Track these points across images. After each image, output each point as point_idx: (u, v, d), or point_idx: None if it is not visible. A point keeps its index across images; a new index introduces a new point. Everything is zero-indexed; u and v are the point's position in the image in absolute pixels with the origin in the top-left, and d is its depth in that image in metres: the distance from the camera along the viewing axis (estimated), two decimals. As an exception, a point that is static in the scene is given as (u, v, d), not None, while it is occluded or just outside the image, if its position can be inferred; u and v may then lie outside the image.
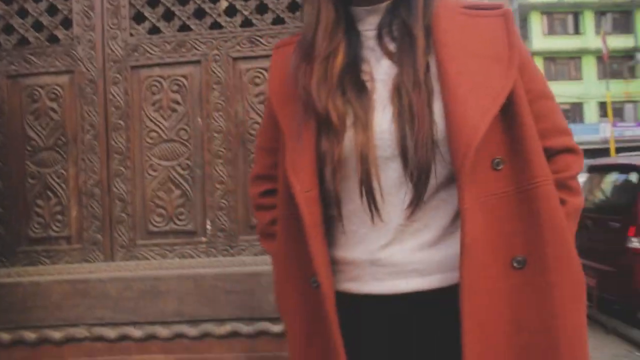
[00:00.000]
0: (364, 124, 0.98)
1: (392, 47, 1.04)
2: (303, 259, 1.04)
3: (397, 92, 0.99)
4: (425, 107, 0.96)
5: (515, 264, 0.98)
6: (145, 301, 2.07)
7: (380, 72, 1.03)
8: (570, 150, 1.10)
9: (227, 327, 2.03)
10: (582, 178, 7.17)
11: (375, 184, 0.98)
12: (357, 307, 1.05)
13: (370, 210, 0.99)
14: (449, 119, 0.96)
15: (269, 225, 1.19)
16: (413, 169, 0.96)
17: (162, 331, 2.05)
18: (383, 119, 0.99)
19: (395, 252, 1.02)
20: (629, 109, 28.58)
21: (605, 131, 21.12)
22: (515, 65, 0.99)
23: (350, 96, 1.00)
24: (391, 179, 0.99)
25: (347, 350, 1.02)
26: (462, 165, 0.93)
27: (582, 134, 27.74)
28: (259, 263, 2.10)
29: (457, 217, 0.98)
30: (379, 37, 1.05)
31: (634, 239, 5.45)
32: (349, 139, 0.99)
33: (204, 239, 2.16)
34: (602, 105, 25.49)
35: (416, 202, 0.98)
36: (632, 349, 5.29)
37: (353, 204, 1.02)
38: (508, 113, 0.98)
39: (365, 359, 1.05)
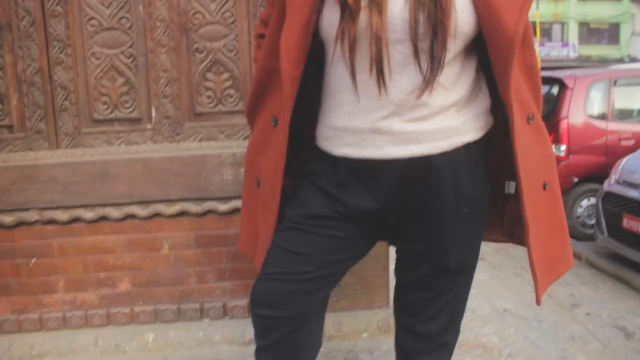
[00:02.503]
0: (379, 7, 1.09)
1: None
2: (272, 99, 1.28)
3: None
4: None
5: (529, 121, 1.24)
6: (95, 184, 2.16)
7: None
8: None
9: (176, 207, 2.17)
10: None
11: (385, 62, 1.11)
12: (353, 169, 1.23)
13: (379, 84, 1.13)
14: (487, 16, 1.11)
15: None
16: (423, 55, 1.11)
17: (113, 212, 2.17)
18: (395, 4, 1.10)
19: (394, 122, 1.17)
20: (556, 29, 29.45)
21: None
22: None
23: None
24: (397, 60, 1.13)
25: (341, 205, 1.25)
26: (507, 61, 1.12)
27: (511, 53, 28.43)
28: (204, 148, 2.23)
29: (453, 96, 1.18)
30: None
31: (553, 147, 5.87)
32: (364, 19, 1.10)
33: (149, 126, 2.24)
34: (532, 25, 26.13)
35: (425, 85, 1.13)
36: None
37: (363, 77, 1.15)
38: None
39: (362, 215, 1.26)
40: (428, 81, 1.12)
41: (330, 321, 2.19)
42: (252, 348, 2.15)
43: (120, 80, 2.23)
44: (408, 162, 1.20)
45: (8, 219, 2.16)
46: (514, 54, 1.12)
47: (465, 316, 2.47)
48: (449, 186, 1.22)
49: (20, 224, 2.18)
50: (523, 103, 1.22)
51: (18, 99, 2.23)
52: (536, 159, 1.26)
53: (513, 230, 1.43)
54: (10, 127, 2.26)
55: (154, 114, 2.23)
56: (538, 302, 1.34)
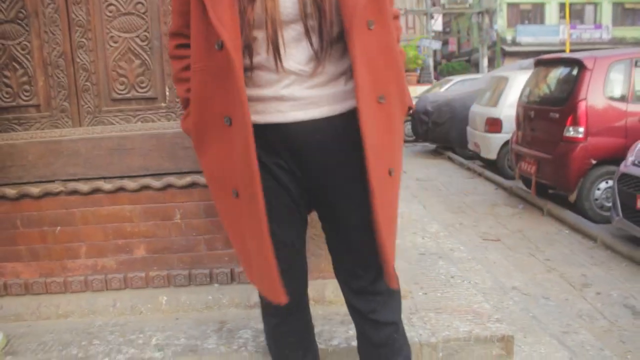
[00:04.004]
0: None
1: None
2: (220, 100, 1.36)
3: None
4: None
5: (380, 100, 1.38)
6: (113, 158, 2.37)
7: None
8: (397, 16, 1.55)
9: (187, 179, 2.37)
10: (527, 73, 7.53)
11: (280, 41, 1.31)
12: (261, 135, 1.38)
13: (275, 61, 1.32)
14: None
15: (182, 71, 1.52)
16: (313, 32, 1.31)
17: (130, 184, 2.37)
18: None
19: (296, 89, 1.37)
20: (589, 11, 28.84)
21: (565, 33, 21.38)
22: None
23: None
24: (292, 37, 1.33)
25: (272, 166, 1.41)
26: (350, 26, 1.29)
27: (542, 36, 27.84)
28: (214, 125, 2.41)
29: (342, 65, 1.37)
30: None
31: (571, 129, 5.92)
32: (260, 4, 1.29)
33: (163, 105, 2.43)
34: (563, 7, 25.59)
35: (317, 57, 1.33)
36: (562, 227, 5.91)
37: (260, 56, 1.34)
38: None
39: (274, 176, 1.43)
40: (319, 55, 1.32)
41: (331, 288, 2.37)
42: (257, 311, 2.35)
43: (137, 62, 2.42)
44: (311, 124, 1.38)
45: (35, 190, 2.39)
46: (352, 31, 1.29)
47: (463, 286, 2.62)
48: (349, 144, 1.39)
49: (46, 194, 2.40)
50: (376, 81, 1.36)
51: (44, 80, 2.45)
52: (384, 141, 1.39)
53: None
54: (37, 107, 2.48)
55: (167, 93, 2.42)
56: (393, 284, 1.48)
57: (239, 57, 1.28)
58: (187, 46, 1.45)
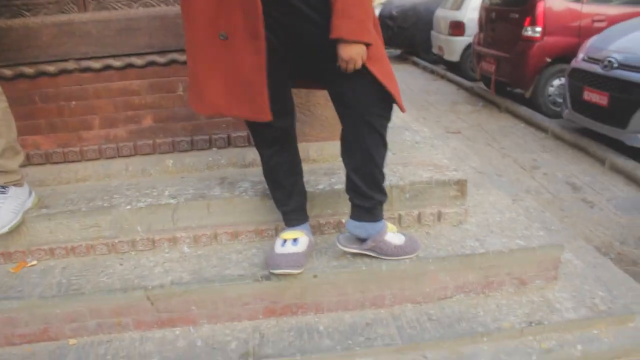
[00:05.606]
0: None
1: None
2: None
3: None
4: None
5: None
6: (122, 37, 2.73)
7: None
8: None
9: (189, 56, 2.75)
10: (491, -26, 7.86)
11: None
12: None
13: None
14: None
15: None
16: None
17: (137, 61, 2.76)
18: None
19: None
20: None
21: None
22: None
23: None
24: None
25: None
26: None
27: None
28: None
29: None
30: None
31: (529, 28, 6.38)
32: None
33: (163, -11, 2.78)
34: None
35: None
36: (518, 121, 6.49)
37: None
38: None
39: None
40: None
41: (315, 148, 2.85)
42: (252, 168, 2.81)
43: (136, -52, 2.74)
44: None
45: (51, 68, 2.75)
46: None
47: (425, 149, 3.12)
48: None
49: (61, 72, 2.77)
50: None
51: (49, -32, 2.75)
52: None
53: None
54: (43, -7, 2.78)
55: (168, -24, 2.77)
56: (404, 110, 2.04)
57: None
58: None
